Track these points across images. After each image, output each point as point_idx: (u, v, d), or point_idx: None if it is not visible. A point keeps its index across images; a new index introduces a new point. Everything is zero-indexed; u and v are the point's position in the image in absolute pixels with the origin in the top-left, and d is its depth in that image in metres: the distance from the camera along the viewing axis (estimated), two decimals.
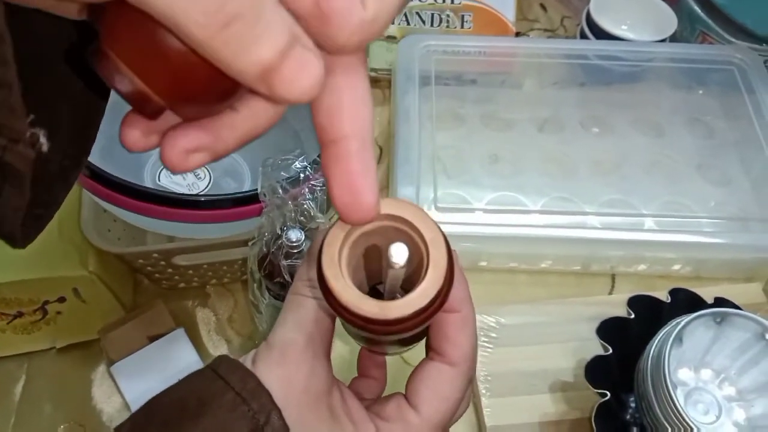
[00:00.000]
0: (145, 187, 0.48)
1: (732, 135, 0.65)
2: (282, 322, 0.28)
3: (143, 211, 0.48)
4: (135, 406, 0.52)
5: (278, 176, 0.45)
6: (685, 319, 0.45)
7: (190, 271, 0.58)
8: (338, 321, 0.29)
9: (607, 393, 0.47)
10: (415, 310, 0.23)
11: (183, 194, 0.54)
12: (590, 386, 0.48)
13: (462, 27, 0.75)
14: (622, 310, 0.54)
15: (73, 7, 0.19)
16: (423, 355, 0.30)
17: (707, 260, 0.61)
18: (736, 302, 0.52)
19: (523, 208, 0.59)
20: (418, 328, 0.24)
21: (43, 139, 0.20)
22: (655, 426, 0.45)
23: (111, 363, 0.54)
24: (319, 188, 0.46)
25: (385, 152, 0.71)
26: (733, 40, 0.71)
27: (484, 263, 0.63)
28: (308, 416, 0.26)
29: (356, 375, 0.35)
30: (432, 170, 0.60)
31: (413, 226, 0.24)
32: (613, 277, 0.64)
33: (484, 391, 0.54)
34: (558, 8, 0.87)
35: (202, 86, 0.18)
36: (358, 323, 0.24)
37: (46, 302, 0.53)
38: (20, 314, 0.54)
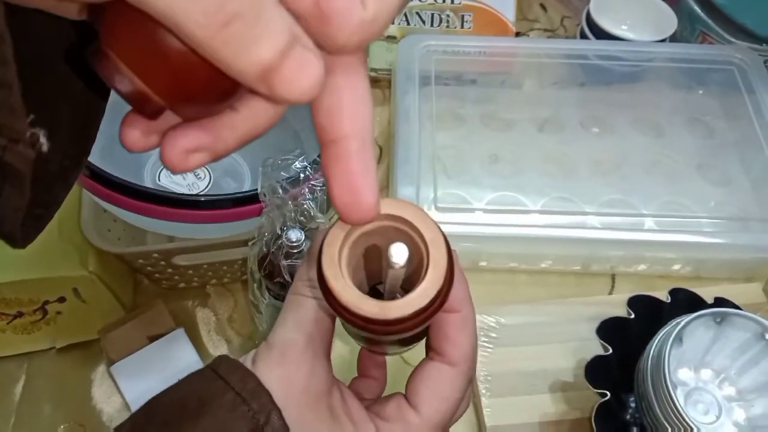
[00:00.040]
0: (145, 187, 0.48)
1: (732, 135, 0.65)
2: (282, 322, 0.28)
3: (143, 211, 0.48)
4: (135, 406, 0.52)
5: (278, 176, 0.45)
6: (685, 319, 0.45)
7: (190, 271, 0.58)
8: (338, 321, 0.29)
9: (607, 393, 0.47)
10: (415, 310, 0.23)
11: (183, 194, 0.54)
12: (590, 386, 0.48)
13: (462, 27, 0.75)
14: (622, 310, 0.54)
15: (72, 7, 0.19)
16: (423, 355, 0.30)
17: (707, 260, 0.61)
18: (736, 302, 0.52)
19: (523, 208, 0.59)
20: (418, 328, 0.24)
21: (43, 139, 0.20)
22: (655, 426, 0.45)
23: (111, 363, 0.54)
24: (319, 188, 0.46)
25: (385, 152, 0.71)
26: (733, 40, 0.71)
27: (484, 263, 0.63)
28: (308, 416, 0.26)
29: (356, 375, 0.35)
30: (432, 170, 0.60)
31: (413, 226, 0.24)
32: (613, 277, 0.64)
33: (484, 391, 0.54)
34: (558, 8, 0.87)
35: (202, 86, 0.18)
36: (358, 323, 0.24)
37: (46, 302, 0.53)
38: (20, 314, 0.54)
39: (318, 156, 0.47)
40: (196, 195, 0.56)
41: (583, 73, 0.72)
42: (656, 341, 0.46)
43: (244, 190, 0.49)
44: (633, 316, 0.53)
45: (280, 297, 0.48)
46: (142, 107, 0.19)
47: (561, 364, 0.56)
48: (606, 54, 0.71)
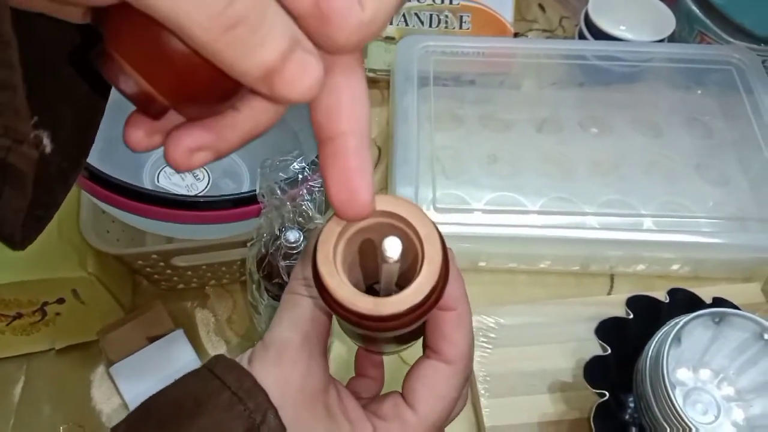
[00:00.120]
0: (143, 188, 0.48)
1: (730, 135, 0.65)
2: (278, 321, 0.28)
3: (142, 212, 0.48)
4: (134, 407, 0.52)
5: (277, 177, 0.45)
6: (683, 319, 0.45)
7: (189, 272, 0.58)
8: (335, 321, 0.30)
9: (606, 393, 0.47)
10: (410, 306, 0.23)
11: (182, 195, 0.54)
12: (589, 386, 0.48)
13: (460, 28, 0.75)
14: (620, 311, 0.54)
15: (76, 11, 0.19)
16: (420, 353, 0.30)
17: (706, 260, 0.61)
18: (735, 302, 0.52)
19: (522, 208, 0.59)
20: (414, 324, 0.24)
21: (46, 141, 0.20)
22: (653, 426, 0.45)
23: (110, 364, 0.54)
24: (317, 189, 0.46)
25: (383, 153, 0.71)
26: (731, 40, 0.72)
27: (483, 264, 0.63)
28: (304, 415, 0.26)
29: (354, 375, 0.35)
30: (431, 171, 0.60)
31: (408, 222, 0.25)
32: (611, 277, 0.64)
33: (483, 392, 0.54)
34: (556, 9, 0.87)
35: (205, 87, 0.19)
36: (353, 320, 0.24)
37: (45, 303, 0.53)
38: (19, 315, 0.54)
39: (316, 157, 0.47)
40: (195, 196, 0.56)
41: (582, 74, 0.72)
42: (655, 341, 0.46)
43: (242, 191, 0.49)
44: (632, 316, 0.53)
45: (278, 298, 0.48)
46: (147, 108, 0.19)
47: (560, 365, 0.56)
48: (604, 54, 0.71)
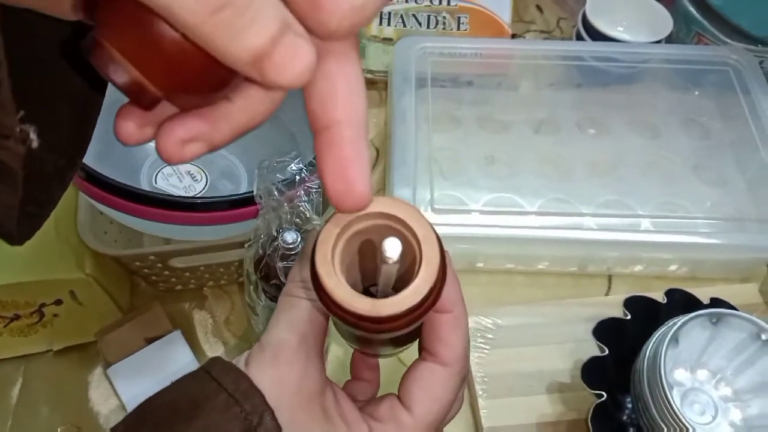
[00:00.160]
0: (141, 189, 0.48)
1: (728, 136, 0.66)
2: (275, 322, 0.28)
3: (140, 213, 0.48)
4: (132, 408, 0.52)
5: (274, 178, 0.45)
6: (681, 320, 0.45)
7: (187, 273, 0.58)
8: (331, 323, 0.30)
9: (604, 394, 0.47)
10: (408, 307, 0.23)
11: (179, 196, 0.54)
12: (587, 387, 0.48)
13: (458, 29, 0.75)
14: (618, 311, 0.54)
15: (65, 5, 0.19)
16: (417, 355, 0.30)
17: (703, 261, 0.61)
18: (732, 303, 0.52)
19: (520, 209, 0.60)
20: (411, 326, 0.24)
21: (33, 135, 0.20)
22: (651, 427, 0.45)
23: (108, 365, 0.54)
24: (314, 190, 0.46)
25: (381, 154, 0.71)
26: (729, 41, 0.72)
27: (480, 265, 0.63)
28: (301, 417, 0.26)
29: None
30: (428, 172, 0.60)
31: (406, 224, 0.25)
32: (609, 278, 0.64)
33: (481, 393, 0.54)
34: (554, 10, 0.87)
35: (196, 75, 0.18)
36: (350, 321, 0.24)
37: (43, 305, 0.53)
38: (17, 317, 0.54)
39: (314, 158, 0.47)
40: (193, 197, 0.56)
41: (580, 75, 0.72)
42: (652, 342, 0.46)
43: (240, 193, 0.49)
44: (629, 317, 0.53)
45: (276, 299, 0.48)
46: (139, 97, 0.19)
47: (558, 365, 0.56)
48: (602, 55, 0.71)
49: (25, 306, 0.53)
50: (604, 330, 0.52)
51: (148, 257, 0.54)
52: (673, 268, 0.62)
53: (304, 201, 0.46)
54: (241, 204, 0.48)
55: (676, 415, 0.42)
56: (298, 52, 0.18)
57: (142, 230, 0.53)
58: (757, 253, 0.59)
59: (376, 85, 0.76)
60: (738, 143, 0.64)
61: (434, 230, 0.25)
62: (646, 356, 0.46)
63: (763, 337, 0.46)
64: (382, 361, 0.35)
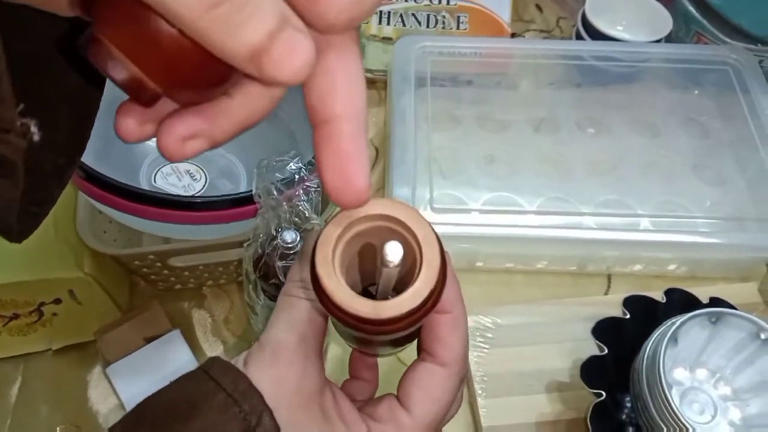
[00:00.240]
0: (140, 188, 0.48)
1: (727, 135, 0.66)
2: (274, 322, 0.28)
3: (139, 212, 0.48)
4: (131, 408, 0.52)
5: (273, 177, 0.45)
6: (680, 319, 0.45)
7: (186, 273, 0.58)
8: (330, 323, 0.30)
9: (603, 393, 0.47)
10: (409, 309, 0.23)
11: (178, 196, 0.54)
12: (586, 386, 0.48)
13: (458, 28, 0.75)
14: (617, 311, 0.54)
15: (62, 1, 0.19)
16: (416, 355, 0.30)
17: (703, 260, 0.61)
18: (732, 302, 0.52)
19: (519, 208, 0.59)
20: (411, 328, 0.24)
21: (34, 129, 0.20)
22: (650, 426, 0.45)
23: (107, 364, 0.54)
24: (313, 189, 0.46)
25: (381, 153, 0.71)
26: (728, 40, 0.72)
27: (480, 264, 0.63)
28: (300, 417, 0.26)
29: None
30: (428, 171, 0.60)
31: (406, 226, 0.24)
32: (608, 277, 0.64)
33: (480, 392, 0.54)
34: (554, 9, 0.87)
35: (195, 70, 0.18)
36: (350, 322, 0.24)
37: (42, 304, 0.53)
38: (16, 316, 0.54)
39: (313, 157, 0.47)
40: (192, 196, 0.56)
41: (579, 74, 0.72)
42: (651, 341, 0.46)
43: (239, 192, 0.49)
44: (628, 316, 0.53)
45: (275, 298, 0.48)
46: (138, 94, 0.19)
47: (557, 365, 0.56)
48: (602, 55, 0.71)
49: (24, 305, 0.53)
50: (604, 329, 0.52)
51: (148, 256, 0.54)
52: (672, 267, 0.62)
53: (303, 200, 0.46)
54: (240, 203, 0.48)
55: (676, 415, 0.42)
56: (296, 48, 0.17)
57: (142, 229, 0.53)
58: (756, 252, 0.59)
59: (376, 84, 0.76)
60: (737, 142, 0.64)
61: (434, 232, 0.25)
62: (646, 355, 0.46)
63: (763, 336, 0.46)
64: (381, 361, 0.35)
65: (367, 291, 0.29)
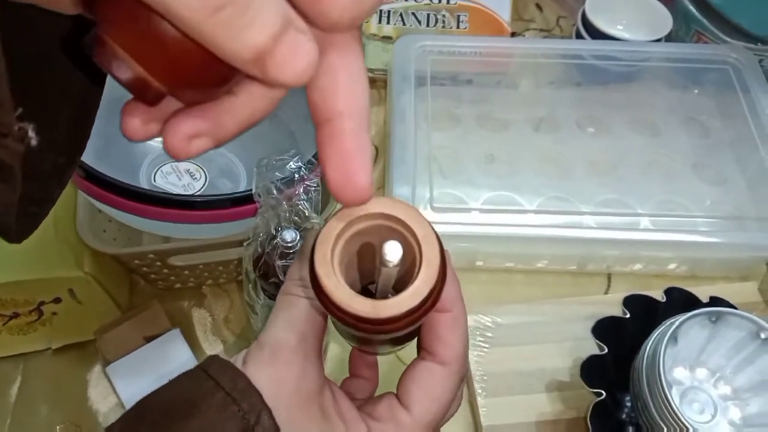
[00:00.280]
0: (140, 187, 0.48)
1: (727, 134, 0.66)
2: (273, 321, 0.28)
3: (138, 211, 0.48)
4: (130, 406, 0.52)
5: (273, 177, 0.45)
6: (680, 319, 0.45)
7: (186, 272, 0.58)
8: (329, 321, 0.29)
9: (603, 392, 0.47)
10: (408, 309, 0.23)
11: (178, 195, 0.54)
12: (586, 386, 0.48)
13: (458, 27, 0.75)
14: (617, 310, 0.54)
15: (65, 0, 0.19)
16: (416, 353, 0.30)
17: (703, 259, 0.61)
18: (732, 301, 0.52)
19: (519, 207, 0.59)
20: (411, 327, 0.24)
21: (32, 133, 0.20)
22: (650, 425, 0.45)
23: (107, 363, 0.54)
24: (313, 189, 0.46)
25: (381, 152, 0.71)
26: (728, 39, 0.72)
27: (480, 263, 0.63)
28: (299, 416, 0.26)
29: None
30: (428, 170, 0.60)
31: (406, 225, 0.24)
32: (608, 276, 0.64)
33: (480, 391, 0.54)
34: (554, 8, 0.87)
35: (199, 70, 0.18)
36: (350, 322, 0.24)
37: (42, 303, 0.53)
38: (16, 315, 0.54)
39: (313, 156, 0.47)
40: (192, 195, 0.56)
41: (579, 73, 0.72)
42: (651, 340, 0.46)
43: (239, 191, 0.49)
44: (628, 315, 0.53)
45: (275, 297, 0.47)
46: (143, 94, 0.19)
47: (557, 364, 0.56)
48: (602, 54, 0.71)
49: (24, 304, 0.53)
50: (604, 328, 0.52)
51: (147, 255, 0.54)
52: (672, 266, 0.62)
53: (303, 199, 0.46)
54: (240, 202, 0.48)
55: (676, 414, 0.42)
56: (300, 50, 0.18)
57: (141, 228, 0.53)
58: (756, 251, 0.59)
59: (376, 83, 0.76)
60: (737, 142, 0.64)
61: (434, 230, 0.25)
62: (646, 355, 0.46)
63: (763, 335, 0.46)
64: (380, 359, 0.35)
65: (367, 289, 0.29)
